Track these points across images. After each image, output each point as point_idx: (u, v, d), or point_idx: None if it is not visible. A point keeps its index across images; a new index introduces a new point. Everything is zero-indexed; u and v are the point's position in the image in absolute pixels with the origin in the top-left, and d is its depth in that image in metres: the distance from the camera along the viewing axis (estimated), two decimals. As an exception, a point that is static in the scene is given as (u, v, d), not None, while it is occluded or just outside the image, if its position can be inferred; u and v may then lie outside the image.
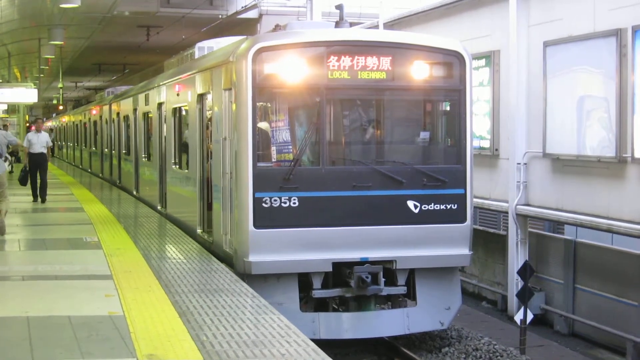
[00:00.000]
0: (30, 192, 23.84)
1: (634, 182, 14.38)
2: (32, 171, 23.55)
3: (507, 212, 17.98)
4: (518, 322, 15.19)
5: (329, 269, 12.96)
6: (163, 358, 7.82)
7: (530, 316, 14.99)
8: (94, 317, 9.49)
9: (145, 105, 23.01)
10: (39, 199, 23.40)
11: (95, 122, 37.79)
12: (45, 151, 23.93)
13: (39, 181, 23.51)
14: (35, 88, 39.90)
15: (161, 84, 20.47)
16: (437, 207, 13.39)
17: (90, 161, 40.63)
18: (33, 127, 24.46)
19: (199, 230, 15.82)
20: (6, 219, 16.61)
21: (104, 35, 36.21)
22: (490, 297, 19.57)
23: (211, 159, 14.99)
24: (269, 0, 30.76)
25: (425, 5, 21.67)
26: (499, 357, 13.61)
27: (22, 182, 23.92)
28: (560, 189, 16.40)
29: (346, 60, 13.06)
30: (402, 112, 14.64)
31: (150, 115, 22.49)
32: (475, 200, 15.29)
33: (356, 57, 13.08)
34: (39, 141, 23.61)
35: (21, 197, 23.63)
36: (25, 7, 28.92)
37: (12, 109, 53.48)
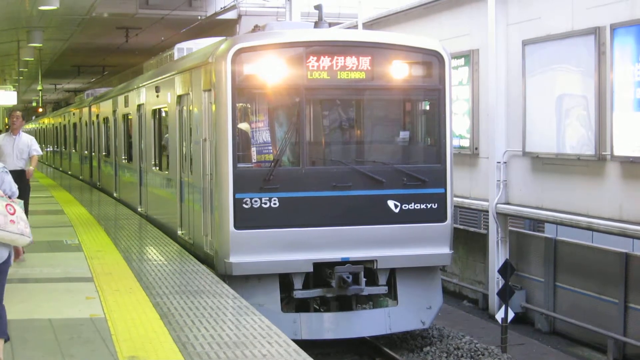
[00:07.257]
0: None
1: (613, 179, 14.44)
2: None
3: (487, 211, 18.03)
4: (499, 320, 15.22)
5: (310, 269, 12.96)
6: (144, 360, 7.82)
7: (511, 314, 15.02)
8: (75, 320, 9.48)
9: (125, 106, 22.94)
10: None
11: (74, 124, 37.66)
12: (24, 166, 14.84)
13: None
14: (14, 90, 39.74)
15: (140, 85, 20.41)
16: (417, 206, 13.41)
17: (70, 163, 40.48)
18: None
19: (179, 232, 15.79)
20: None
21: (83, 37, 36.03)
22: (471, 296, 19.61)
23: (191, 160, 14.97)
24: (248, 1, 30.69)
25: (404, 4, 21.70)
26: (480, 356, 13.65)
27: None
28: (540, 188, 16.45)
29: (325, 61, 13.05)
30: (382, 111, 14.65)
31: (129, 117, 22.43)
32: (455, 199, 15.30)
33: (335, 57, 13.08)
34: (16, 149, 14.74)
35: None
36: (3, 9, 28.73)
37: (-10, 111, 53.25)
